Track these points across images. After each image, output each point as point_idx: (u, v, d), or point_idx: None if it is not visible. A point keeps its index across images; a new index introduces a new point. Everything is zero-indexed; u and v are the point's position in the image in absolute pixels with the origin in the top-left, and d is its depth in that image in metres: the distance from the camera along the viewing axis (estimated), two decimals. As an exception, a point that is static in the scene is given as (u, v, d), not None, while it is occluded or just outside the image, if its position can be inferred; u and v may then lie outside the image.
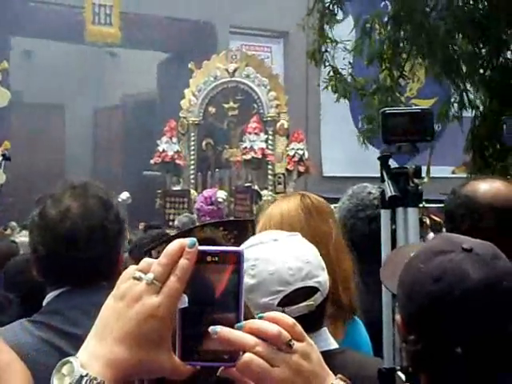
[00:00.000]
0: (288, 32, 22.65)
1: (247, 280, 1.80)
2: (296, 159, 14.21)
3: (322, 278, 1.85)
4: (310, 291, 1.82)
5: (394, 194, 2.31)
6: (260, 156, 13.53)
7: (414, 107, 2.64)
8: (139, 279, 0.96)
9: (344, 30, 8.23)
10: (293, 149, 14.34)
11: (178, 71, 23.26)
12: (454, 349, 1.42)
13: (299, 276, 1.80)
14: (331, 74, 8.11)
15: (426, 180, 2.39)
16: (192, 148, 14.78)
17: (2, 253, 5.09)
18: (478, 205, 2.33)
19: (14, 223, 15.05)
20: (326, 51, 8.07)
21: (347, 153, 22.37)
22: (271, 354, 0.96)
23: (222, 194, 13.66)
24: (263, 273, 1.80)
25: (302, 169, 14.22)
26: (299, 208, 2.32)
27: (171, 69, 23.79)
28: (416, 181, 2.44)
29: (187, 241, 0.94)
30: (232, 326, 0.96)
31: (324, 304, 1.86)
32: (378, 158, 2.45)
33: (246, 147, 13.67)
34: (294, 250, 1.86)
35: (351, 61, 8.22)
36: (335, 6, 8.00)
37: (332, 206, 3.12)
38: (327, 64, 8.13)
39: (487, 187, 2.35)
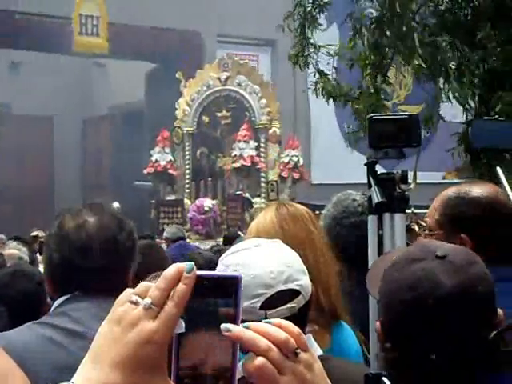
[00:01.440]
0: (275, 40, 22.73)
1: None
2: (290, 166, 14.24)
3: (304, 281, 1.86)
4: (291, 294, 1.82)
5: (380, 200, 2.34)
6: (249, 164, 13.55)
7: (400, 113, 2.66)
8: (136, 303, 0.95)
9: (328, 34, 8.25)
10: (287, 155, 14.39)
11: (166, 81, 23.26)
12: (428, 356, 1.44)
13: (280, 279, 1.81)
14: (317, 76, 8.11)
15: (412, 186, 2.43)
16: (187, 157, 14.79)
17: None
18: (473, 210, 2.33)
19: (2, 235, 14.97)
20: (309, 55, 8.08)
21: (336, 160, 22.46)
22: (281, 362, 0.95)
23: (208, 203, 13.68)
24: (245, 277, 1.77)
25: (296, 176, 14.23)
26: (274, 218, 2.34)
27: (159, 78, 23.77)
28: (402, 186, 2.45)
29: (185, 265, 0.94)
30: (229, 351, 0.96)
31: (306, 308, 1.87)
32: (365, 164, 2.47)
33: (235, 155, 13.71)
34: (275, 255, 1.87)
35: (335, 65, 8.24)
36: (316, 10, 8.02)
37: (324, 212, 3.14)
38: (311, 68, 8.15)
39: (478, 190, 2.36)
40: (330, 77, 8.16)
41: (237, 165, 13.65)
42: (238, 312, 0.96)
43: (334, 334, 2.30)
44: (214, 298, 0.95)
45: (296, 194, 14.38)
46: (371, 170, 2.45)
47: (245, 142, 13.66)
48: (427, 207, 2.84)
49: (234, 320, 0.96)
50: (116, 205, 16.51)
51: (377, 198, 2.34)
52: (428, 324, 1.44)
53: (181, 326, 0.94)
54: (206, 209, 13.64)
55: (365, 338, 2.45)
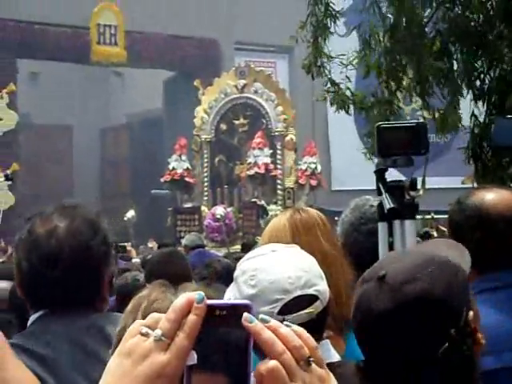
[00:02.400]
0: (293, 47, 22.73)
1: (247, 290, 1.82)
2: (308, 173, 14.24)
3: (322, 286, 1.87)
4: (309, 299, 1.82)
5: (392, 206, 2.33)
6: (263, 171, 13.55)
7: (408, 120, 2.66)
8: (146, 335, 0.93)
9: (341, 44, 8.25)
10: (305, 162, 14.38)
11: (184, 89, 23.36)
12: (370, 370, 1.51)
13: (298, 284, 1.81)
14: (328, 86, 8.13)
15: (421, 192, 2.42)
16: (205, 165, 14.82)
17: (4, 275, 5.07)
18: (488, 215, 2.31)
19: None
20: (322, 65, 8.10)
21: (354, 166, 22.41)
22: (294, 368, 0.93)
23: (220, 211, 13.71)
24: (263, 282, 1.82)
25: (313, 182, 14.21)
26: (286, 224, 2.35)
27: (177, 87, 23.88)
28: (412, 193, 2.45)
29: (195, 295, 0.92)
30: (241, 379, 0.94)
31: (324, 313, 1.87)
32: (375, 172, 2.46)
33: (250, 162, 13.75)
34: (293, 260, 1.88)
35: (348, 75, 8.25)
36: (328, 20, 8.03)
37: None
38: (324, 76, 8.16)
39: (494, 197, 2.32)
40: (342, 86, 8.16)
41: (251, 172, 13.64)
42: (250, 341, 0.93)
43: (349, 340, 2.27)
44: (226, 327, 0.93)
45: (314, 200, 14.37)
46: (381, 178, 2.44)
47: (259, 149, 13.64)
48: (446, 212, 2.80)
49: (246, 349, 0.93)
50: (131, 213, 16.62)
51: (388, 204, 2.34)
52: (368, 341, 1.51)
53: (192, 358, 0.92)
54: (218, 216, 13.65)
55: None
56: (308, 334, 0.97)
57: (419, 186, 2.52)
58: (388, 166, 2.49)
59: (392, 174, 2.55)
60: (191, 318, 0.92)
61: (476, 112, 7.35)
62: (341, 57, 8.14)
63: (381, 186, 2.40)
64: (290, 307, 1.80)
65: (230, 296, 1.89)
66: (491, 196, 2.32)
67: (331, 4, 8.03)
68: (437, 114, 7.83)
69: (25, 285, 2.09)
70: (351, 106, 8.11)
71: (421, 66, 7.05)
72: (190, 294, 0.93)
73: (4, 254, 14.92)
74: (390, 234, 2.44)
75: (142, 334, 0.93)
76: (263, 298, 1.80)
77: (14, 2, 20.47)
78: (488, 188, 2.39)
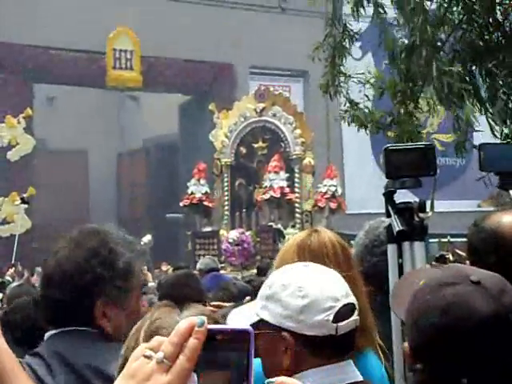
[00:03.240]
0: (307, 71, 22.84)
1: (297, 302, 1.82)
2: (328, 196, 14.25)
3: (353, 297, 1.89)
4: (352, 307, 1.85)
5: (401, 228, 2.32)
6: (279, 195, 13.57)
7: (416, 143, 2.67)
8: (149, 358, 0.97)
9: (363, 63, 8.26)
10: (325, 185, 14.40)
11: (199, 113, 23.51)
12: (459, 380, 1.43)
13: (343, 293, 1.84)
14: (347, 105, 8.15)
15: (430, 214, 2.43)
16: (225, 189, 14.88)
17: (19, 297, 5.09)
18: (503, 239, 2.30)
19: (39, 269, 15.12)
20: (340, 85, 8.12)
21: (370, 189, 22.40)
22: None
23: (233, 235, 13.74)
24: (313, 292, 1.83)
25: (333, 205, 14.21)
26: (295, 251, 2.35)
27: (192, 111, 24.01)
28: (421, 215, 2.43)
29: (197, 319, 0.96)
30: None
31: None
32: (383, 194, 2.47)
33: (266, 186, 13.79)
34: (326, 271, 1.92)
35: (366, 93, 8.26)
36: (346, 40, 8.07)
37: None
38: (342, 96, 8.18)
39: (510, 220, 2.31)
40: (361, 105, 8.17)
41: (266, 196, 13.68)
42: (250, 366, 0.95)
43: (357, 363, 2.18)
44: (226, 351, 0.96)
45: (332, 224, 14.33)
46: (389, 200, 2.44)
47: (275, 172, 13.67)
48: (463, 235, 2.80)
49: (246, 374, 0.96)
50: (148, 238, 16.62)
51: (397, 226, 2.34)
52: (460, 348, 1.43)
53: (193, 380, 0.95)
54: (230, 240, 13.68)
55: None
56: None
57: (428, 208, 2.52)
58: (396, 188, 2.49)
59: (407, 195, 2.56)
60: (192, 341, 0.95)
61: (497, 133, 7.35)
62: (359, 76, 8.17)
63: (390, 207, 2.40)
64: (341, 315, 1.81)
65: (264, 315, 1.88)
66: (507, 219, 2.31)
67: (348, 25, 8.08)
68: (453, 137, 7.82)
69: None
70: (369, 126, 8.11)
71: (439, 76, 7.02)
72: (192, 318, 0.96)
73: (21, 277, 14.95)
74: (400, 255, 2.44)
75: (145, 357, 0.97)
76: (316, 308, 1.81)
77: (31, 28, 20.65)
78: (505, 211, 2.39)
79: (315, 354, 1.83)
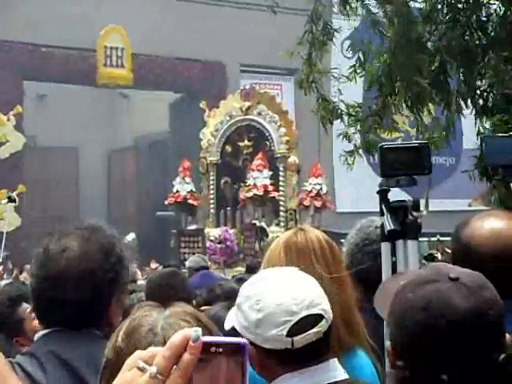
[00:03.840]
0: (298, 69, 22.79)
1: (253, 315, 1.83)
2: (313, 194, 14.25)
3: (325, 305, 1.88)
4: (315, 319, 1.83)
5: (392, 228, 2.34)
6: (261, 193, 13.57)
7: (411, 141, 2.67)
8: (143, 370, 0.96)
9: (338, 57, 8.29)
10: (310, 184, 14.41)
11: (190, 111, 23.45)
12: (439, 376, 1.45)
13: (304, 305, 1.83)
14: (320, 101, 8.18)
15: (424, 213, 2.41)
16: (211, 187, 14.92)
17: (11, 295, 5.08)
18: (476, 253, 2.29)
19: (29, 266, 15.09)
20: (314, 81, 8.15)
21: (361, 188, 22.39)
22: None
23: (215, 233, 13.76)
24: (269, 306, 1.83)
25: (318, 204, 14.19)
26: (281, 249, 2.36)
27: (183, 108, 23.98)
28: (415, 214, 2.44)
29: (192, 333, 0.95)
30: None
31: (329, 331, 1.88)
32: (377, 192, 2.48)
33: (249, 184, 13.79)
34: (294, 282, 1.90)
35: (340, 88, 8.29)
36: (325, 37, 8.09)
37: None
38: (316, 93, 8.21)
39: (487, 231, 2.24)
40: (335, 99, 8.21)
41: (249, 194, 13.66)
42: (245, 379, 0.95)
43: (346, 362, 2.22)
44: (220, 363, 0.95)
45: (319, 222, 14.32)
46: (384, 198, 2.45)
47: (258, 171, 13.67)
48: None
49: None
50: (132, 236, 16.63)
51: (389, 225, 2.35)
52: (440, 345, 1.44)
53: None
54: (212, 238, 13.68)
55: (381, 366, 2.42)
56: None
57: (422, 207, 2.52)
58: (391, 187, 2.51)
59: (403, 194, 2.55)
60: (186, 357, 0.94)
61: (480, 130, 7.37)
62: (333, 71, 8.20)
63: (383, 206, 2.42)
64: (298, 328, 1.81)
65: (234, 322, 1.90)
66: (484, 229, 2.23)
67: (329, 23, 8.10)
68: (426, 134, 7.86)
69: (33, 302, 2.13)
70: (345, 118, 8.13)
71: (412, 83, 7.05)
72: (187, 331, 0.95)
73: (10, 275, 14.95)
74: (394, 253, 2.46)
75: (139, 369, 0.96)
76: (270, 322, 1.82)
77: (21, 25, 20.62)
78: (489, 214, 2.32)
79: (281, 364, 1.85)
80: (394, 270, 2.47)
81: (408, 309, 1.49)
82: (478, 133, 7.36)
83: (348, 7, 7.80)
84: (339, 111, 7.95)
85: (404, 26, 7.17)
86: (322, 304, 1.87)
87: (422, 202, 2.54)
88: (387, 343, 1.57)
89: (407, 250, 2.46)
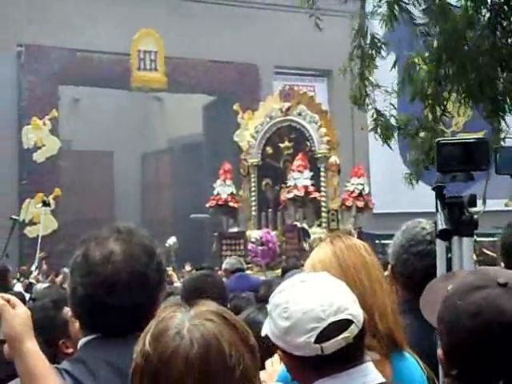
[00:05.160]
0: (331, 70, 22.77)
1: (282, 323, 1.85)
2: (355, 194, 14.19)
3: (354, 310, 1.87)
4: (344, 324, 1.83)
5: (444, 227, 2.30)
6: (302, 194, 13.53)
7: (468, 137, 2.63)
8: None
9: (384, 70, 8.28)
10: (352, 184, 14.34)
11: (223, 113, 23.53)
12: (496, 382, 1.44)
13: (331, 310, 1.83)
14: (375, 116, 8.18)
15: (482, 209, 2.41)
16: (253, 189, 14.90)
17: (54, 298, 5.05)
18: None
19: (66, 269, 15.15)
20: (367, 95, 8.15)
21: (396, 189, 22.27)
22: None
23: (255, 234, 13.74)
24: (296, 313, 1.84)
25: (360, 204, 14.12)
26: (328, 250, 2.33)
27: (216, 111, 24.04)
28: (471, 210, 2.41)
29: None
30: None
31: (361, 336, 1.86)
32: (433, 189, 2.43)
33: (290, 185, 13.76)
34: (323, 287, 1.90)
35: (392, 102, 8.28)
36: (374, 51, 8.07)
37: (385, 242, 3.11)
38: (370, 107, 8.22)
39: None
40: (387, 113, 8.20)
41: (290, 195, 13.63)
42: None
43: (396, 364, 2.26)
44: None
45: (359, 223, 14.27)
46: (439, 194, 2.41)
47: (299, 171, 13.63)
48: (490, 235, 2.79)
49: None
50: (173, 240, 16.63)
51: (441, 224, 2.32)
52: (493, 350, 1.44)
53: None
54: (253, 240, 13.65)
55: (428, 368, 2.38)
56: None
57: (480, 204, 2.49)
58: (447, 182, 2.47)
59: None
60: None
61: None
62: (385, 85, 8.19)
63: (439, 203, 2.38)
64: (326, 334, 1.81)
65: (268, 331, 1.91)
66: None
67: (376, 35, 8.09)
68: (480, 135, 7.79)
69: (79, 309, 2.07)
70: (395, 134, 8.14)
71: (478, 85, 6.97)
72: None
73: (47, 277, 15.04)
74: (449, 249, 2.43)
75: None
76: (298, 329, 1.83)
77: (56, 30, 20.78)
78: None
79: (314, 370, 1.85)
80: (448, 267, 2.44)
81: (458, 316, 1.49)
82: None
83: (394, 19, 7.77)
84: (391, 125, 7.98)
85: (449, 33, 7.11)
86: (351, 309, 1.86)
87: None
88: (439, 351, 1.56)
89: (462, 247, 2.43)
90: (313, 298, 1.85)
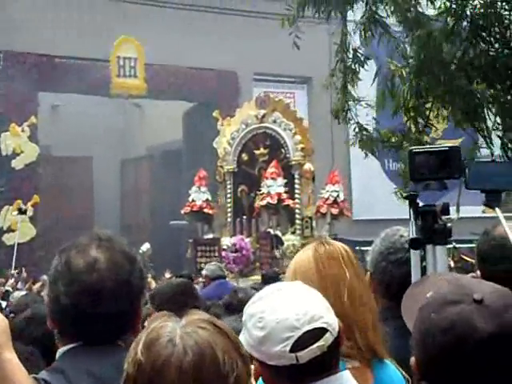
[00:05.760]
0: (311, 77, 22.82)
1: (256, 333, 1.85)
2: (330, 202, 14.17)
3: (329, 318, 1.87)
4: (319, 333, 1.83)
5: (414, 236, 2.31)
6: (275, 201, 13.50)
7: (441, 145, 2.64)
8: None
9: (366, 84, 8.33)
10: (327, 191, 14.32)
11: (203, 120, 23.50)
12: None
13: (305, 319, 1.83)
14: (357, 130, 8.21)
15: (455, 217, 2.42)
16: (228, 196, 14.88)
17: (27, 307, 5.02)
18: None
19: (45, 277, 15.13)
20: (349, 109, 8.18)
21: (376, 195, 22.31)
22: None
23: (226, 241, 13.73)
24: (270, 323, 1.84)
25: (335, 211, 14.09)
26: (311, 258, 2.34)
27: (196, 118, 24.01)
28: (444, 218, 2.42)
29: None
30: None
31: (336, 344, 1.87)
32: (405, 198, 2.45)
33: (263, 193, 13.73)
34: (297, 296, 1.90)
35: (375, 116, 8.32)
36: (356, 65, 8.10)
37: (364, 248, 3.13)
38: (352, 122, 8.25)
39: None
40: (370, 128, 8.25)
41: (263, 203, 13.60)
42: None
43: (377, 372, 2.28)
44: None
45: (336, 230, 14.24)
46: (412, 203, 2.42)
47: (272, 179, 13.60)
48: (468, 241, 2.81)
49: None
50: (146, 246, 16.61)
51: (412, 233, 2.32)
52: (463, 368, 1.44)
53: None
54: (225, 247, 13.65)
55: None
56: None
57: (453, 212, 2.50)
58: (420, 191, 2.49)
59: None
60: None
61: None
62: (366, 100, 8.22)
63: (411, 212, 2.39)
64: (301, 343, 1.81)
65: (243, 341, 1.88)
66: None
67: (358, 50, 8.13)
68: (458, 142, 7.83)
69: (61, 318, 2.03)
70: (379, 145, 8.16)
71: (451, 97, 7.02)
72: None
73: (25, 284, 14.99)
74: (424, 258, 2.44)
75: None
76: (273, 339, 1.83)
77: (35, 36, 20.71)
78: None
79: (289, 380, 1.85)
80: (423, 275, 2.43)
81: (430, 330, 1.49)
82: (502, 145, 7.36)
83: (369, 33, 7.81)
84: (374, 139, 8.01)
85: (426, 46, 7.14)
86: (325, 317, 1.86)
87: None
88: (412, 359, 1.57)
89: (436, 255, 2.44)
90: (287, 307, 1.86)
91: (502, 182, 2.50)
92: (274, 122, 14.44)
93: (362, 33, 7.79)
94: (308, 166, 14.21)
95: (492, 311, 1.45)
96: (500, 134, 7.39)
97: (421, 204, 2.44)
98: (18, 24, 20.59)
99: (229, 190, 14.82)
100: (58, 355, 2.03)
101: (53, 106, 24.15)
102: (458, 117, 7.45)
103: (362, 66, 8.10)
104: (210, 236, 14.42)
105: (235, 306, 4.96)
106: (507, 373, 1.43)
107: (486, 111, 7.29)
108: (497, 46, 7.17)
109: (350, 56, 8.10)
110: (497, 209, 2.43)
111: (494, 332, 1.43)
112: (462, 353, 1.43)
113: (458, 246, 18.00)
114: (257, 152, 14.69)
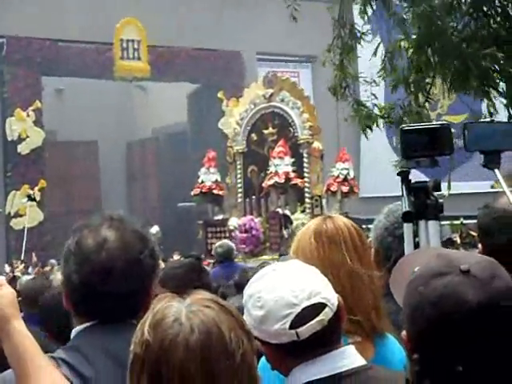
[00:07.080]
0: (316, 56, 22.74)
1: (256, 313, 1.87)
2: (340, 179, 14.13)
3: (327, 293, 1.89)
4: (318, 308, 1.85)
5: (407, 210, 2.33)
6: (283, 180, 13.50)
7: (431, 123, 2.68)
8: None
9: (365, 60, 8.28)
10: (337, 169, 14.25)
11: (208, 101, 23.48)
12: (454, 367, 1.46)
13: (303, 296, 1.84)
14: (355, 106, 8.17)
15: (446, 194, 2.45)
16: (238, 176, 14.81)
17: (35, 290, 5.03)
18: None
19: (53, 261, 15.21)
20: (347, 86, 8.13)
21: (383, 172, 22.30)
22: None
23: (233, 222, 13.71)
24: (269, 301, 1.86)
25: (345, 189, 14.06)
26: (312, 237, 2.37)
27: (201, 99, 23.99)
28: (436, 194, 2.43)
29: None
30: None
31: (336, 319, 1.88)
32: (398, 174, 2.45)
33: (271, 172, 13.74)
34: (294, 274, 1.92)
35: (373, 91, 8.28)
36: (353, 41, 8.05)
37: (371, 226, 3.12)
38: (350, 99, 8.21)
39: None
40: (369, 104, 8.20)
41: (270, 182, 13.57)
42: None
43: (378, 345, 2.31)
44: None
45: (346, 208, 14.23)
46: (404, 179, 2.43)
47: (279, 158, 13.56)
48: (476, 217, 2.80)
49: None
50: (156, 229, 16.62)
51: (404, 207, 2.34)
52: (453, 339, 1.46)
53: None
54: (231, 227, 13.64)
55: None
56: None
57: (445, 188, 2.51)
58: (412, 168, 2.49)
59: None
60: None
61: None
62: (364, 75, 8.18)
63: (403, 187, 2.40)
64: (301, 319, 1.83)
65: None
66: None
67: (356, 26, 8.07)
68: (464, 117, 7.82)
69: (73, 297, 2.07)
70: (380, 121, 8.13)
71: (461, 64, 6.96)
72: None
73: (34, 268, 15.06)
74: (417, 234, 2.45)
75: None
76: (273, 317, 1.84)
77: (38, 21, 20.67)
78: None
79: (292, 356, 1.87)
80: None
81: (419, 304, 1.50)
82: (510, 117, 7.34)
83: (369, 8, 7.75)
84: (374, 115, 7.97)
85: (428, 20, 7.10)
86: (323, 292, 1.87)
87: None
88: (403, 333, 1.57)
89: (428, 230, 2.44)
90: (285, 285, 1.87)
91: (502, 141, 2.50)
92: (282, 100, 14.38)
93: (362, 8, 7.75)
94: (316, 144, 14.16)
95: (479, 281, 1.46)
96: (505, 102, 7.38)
97: (413, 180, 2.46)
98: (21, 9, 20.54)
99: (239, 171, 14.78)
100: (72, 334, 2.06)
101: (56, 90, 24.11)
102: (476, 89, 7.39)
103: (359, 43, 8.06)
104: (220, 217, 14.40)
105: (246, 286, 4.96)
106: (495, 340, 1.45)
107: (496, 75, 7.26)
108: (498, 19, 7.14)
109: (347, 32, 8.05)
110: (496, 170, 2.43)
111: (481, 301, 1.44)
112: (451, 323, 1.45)
113: (465, 222, 18.03)
114: (266, 132, 14.62)
